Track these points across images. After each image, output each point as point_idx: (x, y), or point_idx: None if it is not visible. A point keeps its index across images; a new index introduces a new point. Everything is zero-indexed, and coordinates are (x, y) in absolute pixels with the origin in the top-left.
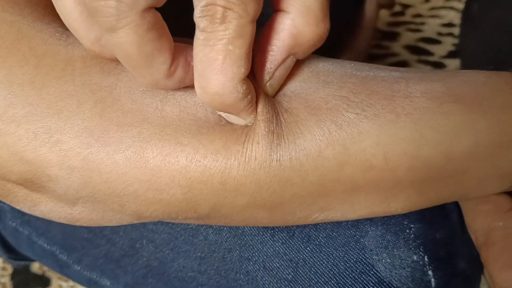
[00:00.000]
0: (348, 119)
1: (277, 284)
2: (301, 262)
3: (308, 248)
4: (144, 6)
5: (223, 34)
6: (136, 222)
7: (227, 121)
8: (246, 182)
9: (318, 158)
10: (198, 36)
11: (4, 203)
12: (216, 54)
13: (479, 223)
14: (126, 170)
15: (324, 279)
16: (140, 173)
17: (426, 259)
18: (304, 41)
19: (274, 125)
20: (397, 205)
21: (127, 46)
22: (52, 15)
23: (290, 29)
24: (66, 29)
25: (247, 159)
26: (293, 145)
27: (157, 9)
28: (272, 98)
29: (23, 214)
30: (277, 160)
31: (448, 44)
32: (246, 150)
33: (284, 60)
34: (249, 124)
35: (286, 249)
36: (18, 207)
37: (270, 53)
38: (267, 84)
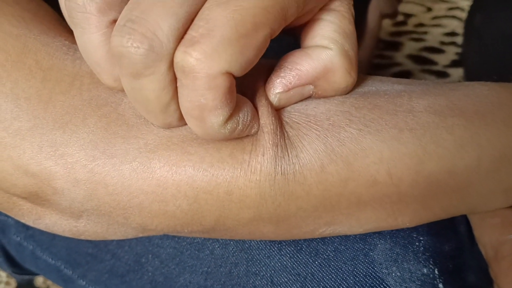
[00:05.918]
0: (351, 134)
1: None
2: (309, 276)
3: (316, 262)
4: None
5: (193, 86)
6: (141, 235)
7: None
8: (251, 194)
9: (322, 173)
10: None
11: (8, 217)
12: (191, 105)
13: (488, 236)
14: (132, 182)
15: None
16: (146, 184)
17: (436, 272)
18: (332, 79)
19: (278, 137)
20: (404, 219)
21: (148, 92)
22: (58, 29)
23: (326, 62)
24: (73, 42)
25: (252, 169)
26: (296, 159)
27: None
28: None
29: (27, 228)
30: (281, 173)
31: (451, 53)
32: (252, 161)
33: (304, 84)
34: (254, 134)
35: (293, 263)
36: (23, 220)
37: (296, 71)
38: (278, 95)
